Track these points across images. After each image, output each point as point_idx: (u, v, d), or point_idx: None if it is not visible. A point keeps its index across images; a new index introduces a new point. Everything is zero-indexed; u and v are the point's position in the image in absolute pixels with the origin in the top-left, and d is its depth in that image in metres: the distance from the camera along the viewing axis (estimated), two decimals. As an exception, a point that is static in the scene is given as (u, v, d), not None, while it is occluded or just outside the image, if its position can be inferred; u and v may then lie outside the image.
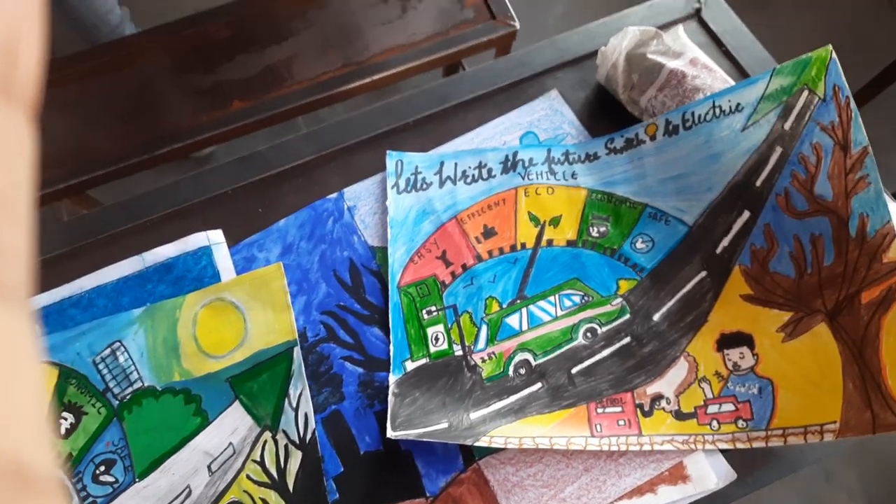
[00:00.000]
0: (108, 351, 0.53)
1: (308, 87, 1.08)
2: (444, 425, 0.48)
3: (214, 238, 0.57)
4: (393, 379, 0.51)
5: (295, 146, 0.62)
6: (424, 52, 1.10)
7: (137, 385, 0.52)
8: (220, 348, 0.53)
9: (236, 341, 0.53)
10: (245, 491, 0.48)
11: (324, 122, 0.63)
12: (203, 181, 0.61)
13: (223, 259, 0.56)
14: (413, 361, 0.52)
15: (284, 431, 0.49)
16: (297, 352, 0.52)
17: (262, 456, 0.49)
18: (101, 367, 0.53)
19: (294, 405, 0.50)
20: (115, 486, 0.49)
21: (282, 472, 0.48)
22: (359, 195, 0.59)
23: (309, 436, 0.49)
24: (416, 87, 0.64)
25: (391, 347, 0.52)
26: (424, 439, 0.47)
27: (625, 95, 0.58)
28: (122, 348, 0.53)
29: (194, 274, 0.56)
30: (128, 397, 0.51)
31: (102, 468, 0.50)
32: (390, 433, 0.47)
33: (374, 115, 0.63)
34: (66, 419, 0.51)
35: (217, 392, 0.51)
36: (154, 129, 1.05)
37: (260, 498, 0.47)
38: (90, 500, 0.49)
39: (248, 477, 0.48)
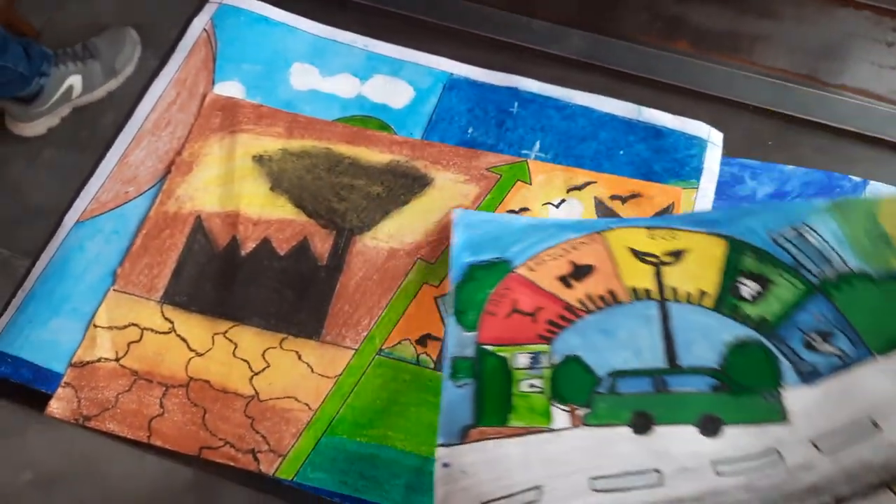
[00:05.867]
0: (792, 232, 0.46)
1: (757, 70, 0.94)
2: None
3: (714, 137, 0.53)
4: None
5: (841, 109, 0.57)
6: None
7: (840, 267, 0.44)
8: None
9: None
10: None
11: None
12: (722, 78, 0.58)
13: (712, 161, 0.52)
14: None
15: None
16: None
17: None
18: (785, 245, 0.46)
19: None
20: (843, 357, 0.40)
21: None
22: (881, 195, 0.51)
23: None
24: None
25: None
26: None
27: None
28: (810, 231, 0.46)
29: (678, 155, 0.51)
30: (832, 277, 0.43)
31: (817, 338, 0.41)
32: None
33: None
34: (745, 285, 0.45)
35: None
36: (597, 19, 0.94)
37: None
38: (805, 363, 0.40)
39: None
